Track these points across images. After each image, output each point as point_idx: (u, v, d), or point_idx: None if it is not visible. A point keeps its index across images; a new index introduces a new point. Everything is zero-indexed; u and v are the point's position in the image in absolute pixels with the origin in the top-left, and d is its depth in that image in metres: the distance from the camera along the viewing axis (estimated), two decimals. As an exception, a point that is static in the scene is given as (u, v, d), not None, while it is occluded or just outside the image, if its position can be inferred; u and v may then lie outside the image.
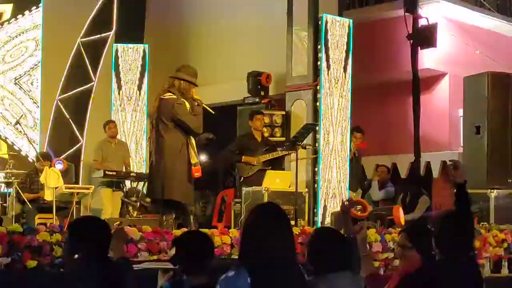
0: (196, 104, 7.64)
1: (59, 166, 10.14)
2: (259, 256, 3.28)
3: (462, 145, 10.53)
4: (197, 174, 7.52)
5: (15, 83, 12.13)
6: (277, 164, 9.71)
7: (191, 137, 7.59)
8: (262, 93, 11.03)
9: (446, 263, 3.88)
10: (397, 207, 8.91)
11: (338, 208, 9.61)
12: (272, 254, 3.29)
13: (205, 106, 7.71)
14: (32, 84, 12.19)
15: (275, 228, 3.36)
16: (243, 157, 9.51)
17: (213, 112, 7.81)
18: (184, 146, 7.49)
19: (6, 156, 10.57)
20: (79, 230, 3.86)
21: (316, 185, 9.93)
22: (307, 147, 9.32)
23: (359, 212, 8.17)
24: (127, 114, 12.08)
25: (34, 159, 10.57)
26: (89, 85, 12.78)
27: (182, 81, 7.64)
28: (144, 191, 10.43)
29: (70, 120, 12.56)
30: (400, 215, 8.59)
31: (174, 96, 7.54)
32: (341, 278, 3.60)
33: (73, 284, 3.69)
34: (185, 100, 7.57)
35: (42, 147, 11.91)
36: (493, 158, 9.27)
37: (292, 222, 8.30)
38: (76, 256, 3.72)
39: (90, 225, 3.90)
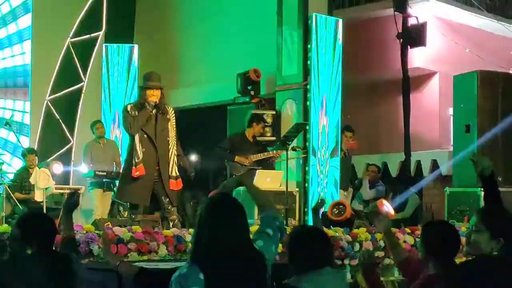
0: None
1: (57, 168, 10.23)
2: (209, 250, 3.18)
3: (452, 144, 10.56)
4: (136, 173, 7.75)
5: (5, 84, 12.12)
6: (267, 163, 9.70)
7: (135, 139, 7.84)
8: (253, 92, 10.97)
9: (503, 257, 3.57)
10: (380, 201, 8.91)
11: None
12: (222, 247, 3.17)
13: (151, 104, 7.87)
14: (21, 84, 12.18)
15: (222, 219, 3.25)
16: (236, 157, 9.50)
17: (157, 103, 7.92)
18: (132, 152, 7.84)
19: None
20: (30, 225, 3.94)
21: (306, 185, 9.95)
22: (297, 149, 9.31)
23: (333, 216, 8.14)
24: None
25: (22, 158, 10.55)
26: (79, 85, 12.74)
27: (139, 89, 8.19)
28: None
29: (60, 120, 12.52)
30: (384, 208, 8.54)
31: None
32: (323, 275, 3.60)
33: (25, 278, 3.73)
34: (132, 105, 8.00)
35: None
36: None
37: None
38: (30, 251, 3.82)
39: (38, 220, 4.01)
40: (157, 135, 7.85)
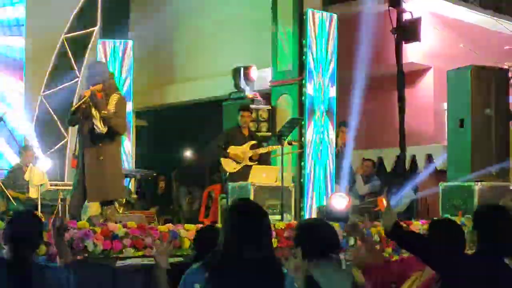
0: None
1: (42, 163, 10.25)
2: (221, 252, 3.23)
3: (446, 138, 10.58)
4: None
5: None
6: (263, 159, 9.70)
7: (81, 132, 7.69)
8: (248, 88, 10.99)
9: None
10: (381, 198, 8.91)
11: (324, 203, 9.65)
12: (233, 251, 3.21)
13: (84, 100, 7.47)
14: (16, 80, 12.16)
15: (238, 225, 3.28)
16: (230, 153, 9.48)
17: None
18: None
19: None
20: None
21: (302, 180, 9.96)
22: (293, 143, 9.31)
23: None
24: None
25: (18, 155, 10.54)
26: (73, 81, 12.73)
27: None
28: (130, 188, 10.43)
29: (54, 116, 12.51)
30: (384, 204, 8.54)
31: None
32: (331, 263, 3.66)
33: None
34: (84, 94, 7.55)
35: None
36: (477, 151, 9.31)
37: (279, 217, 8.31)
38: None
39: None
40: (84, 125, 7.64)
